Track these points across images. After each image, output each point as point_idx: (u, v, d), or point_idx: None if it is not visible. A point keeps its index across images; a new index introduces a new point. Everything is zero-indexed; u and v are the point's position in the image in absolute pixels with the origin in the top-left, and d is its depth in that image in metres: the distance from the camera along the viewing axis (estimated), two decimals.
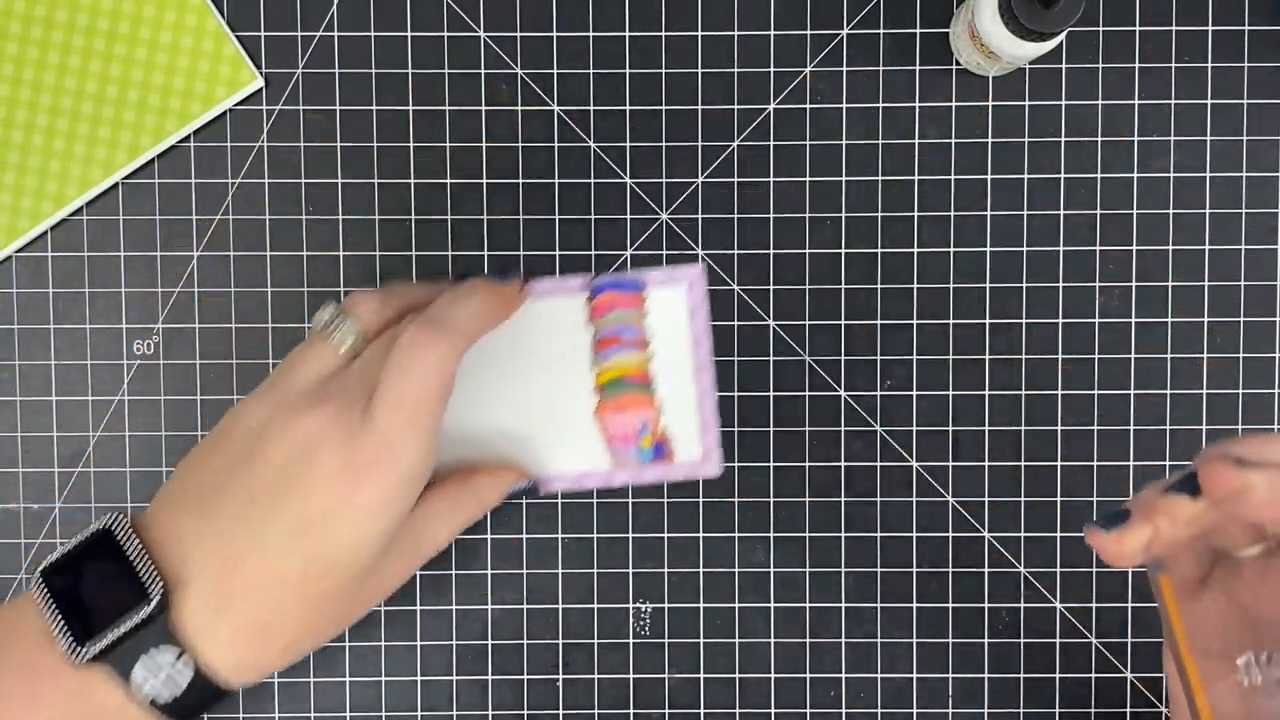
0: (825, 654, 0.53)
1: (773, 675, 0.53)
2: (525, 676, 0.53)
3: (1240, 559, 0.35)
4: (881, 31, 0.52)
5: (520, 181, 0.52)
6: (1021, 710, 0.53)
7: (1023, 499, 0.53)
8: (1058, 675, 0.53)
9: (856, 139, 0.52)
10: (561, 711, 0.53)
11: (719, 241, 0.52)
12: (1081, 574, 0.53)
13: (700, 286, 0.51)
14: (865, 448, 0.53)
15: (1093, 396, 0.53)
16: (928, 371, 0.53)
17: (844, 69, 0.52)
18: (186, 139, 0.52)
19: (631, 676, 0.53)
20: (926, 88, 0.52)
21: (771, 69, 0.52)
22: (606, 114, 0.52)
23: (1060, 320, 0.53)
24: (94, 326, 0.53)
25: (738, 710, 0.53)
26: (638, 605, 0.53)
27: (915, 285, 0.53)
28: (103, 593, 0.41)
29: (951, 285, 0.53)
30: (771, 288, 0.52)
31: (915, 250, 0.53)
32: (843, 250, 0.53)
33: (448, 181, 0.52)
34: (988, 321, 0.53)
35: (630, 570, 0.53)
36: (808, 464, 0.53)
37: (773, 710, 0.53)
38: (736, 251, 0.52)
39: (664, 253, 0.52)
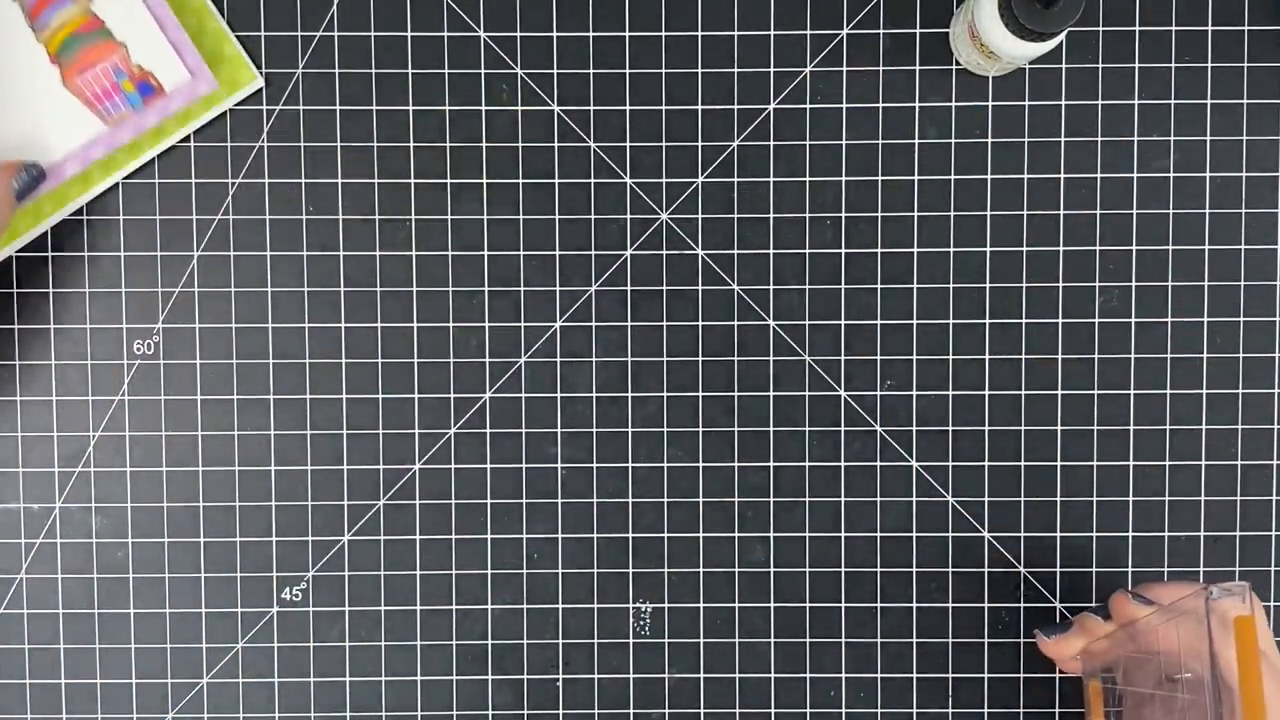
0: (825, 654, 0.53)
1: (773, 675, 0.53)
2: (525, 676, 0.53)
3: (1151, 693, 0.45)
4: (881, 31, 0.52)
5: (520, 181, 0.52)
6: (1021, 710, 0.53)
7: (1023, 499, 0.53)
8: (1057, 675, 0.53)
9: (856, 139, 0.52)
10: (561, 711, 0.53)
11: (719, 241, 0.52)
12: (1081, 574, 0.53)
13: None
14: (865, 448, 0.53)
15: (1093, 396, 0.53)
16: (928, 371, 0.53)
17: (844, 69, 0.52)
18: (186, 139, 0.52)
19: (631, 676, 0.53)
20: (926, 88, 0.52)
21: (771, 69, 0.52)
22: (606, 114, 0.52)
23: (1060, 320, 0.53)
24: (94, 326, 0.53)
25: (738, 710, 0.53)
26: (638, 605, 0.53)
27: (915, 285, 0.53)
28: None
29: (951, 285, 0.53)
30: (771, 288, 0.52)
31: (915, 250, 0.53)
32: (843, 250, 0.53)
33: (448, 181, 0.52)
34: (988, 321, 0.53)
35: (630, 570, 0.53)
36: (808, 464, 0.53)
37: (773, 710, 0.53)
38: (736, 251, 0.52)
39: (664, 253, 0.52)
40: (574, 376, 0.53)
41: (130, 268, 0.53)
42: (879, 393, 0.53)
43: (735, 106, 0.52)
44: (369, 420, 0.53)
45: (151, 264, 0.52)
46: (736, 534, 0.53)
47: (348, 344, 0.53)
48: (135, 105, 0.49)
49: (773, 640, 0.53)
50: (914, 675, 0.53)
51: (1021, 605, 0.53)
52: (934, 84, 0.52)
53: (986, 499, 0.53)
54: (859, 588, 0.53)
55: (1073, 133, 0.52)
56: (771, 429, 0.53)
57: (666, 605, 0.53)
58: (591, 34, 0.52)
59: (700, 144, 0.52)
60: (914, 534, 0.53)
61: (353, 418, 0.53)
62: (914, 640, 0.53)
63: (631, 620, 0.53)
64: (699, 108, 0.52)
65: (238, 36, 0.52)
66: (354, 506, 0.53)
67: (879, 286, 0.53)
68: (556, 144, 0.52)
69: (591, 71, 0.52)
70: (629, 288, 0.53)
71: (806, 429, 0.53)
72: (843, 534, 0.53)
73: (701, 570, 0.53)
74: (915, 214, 0.52)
